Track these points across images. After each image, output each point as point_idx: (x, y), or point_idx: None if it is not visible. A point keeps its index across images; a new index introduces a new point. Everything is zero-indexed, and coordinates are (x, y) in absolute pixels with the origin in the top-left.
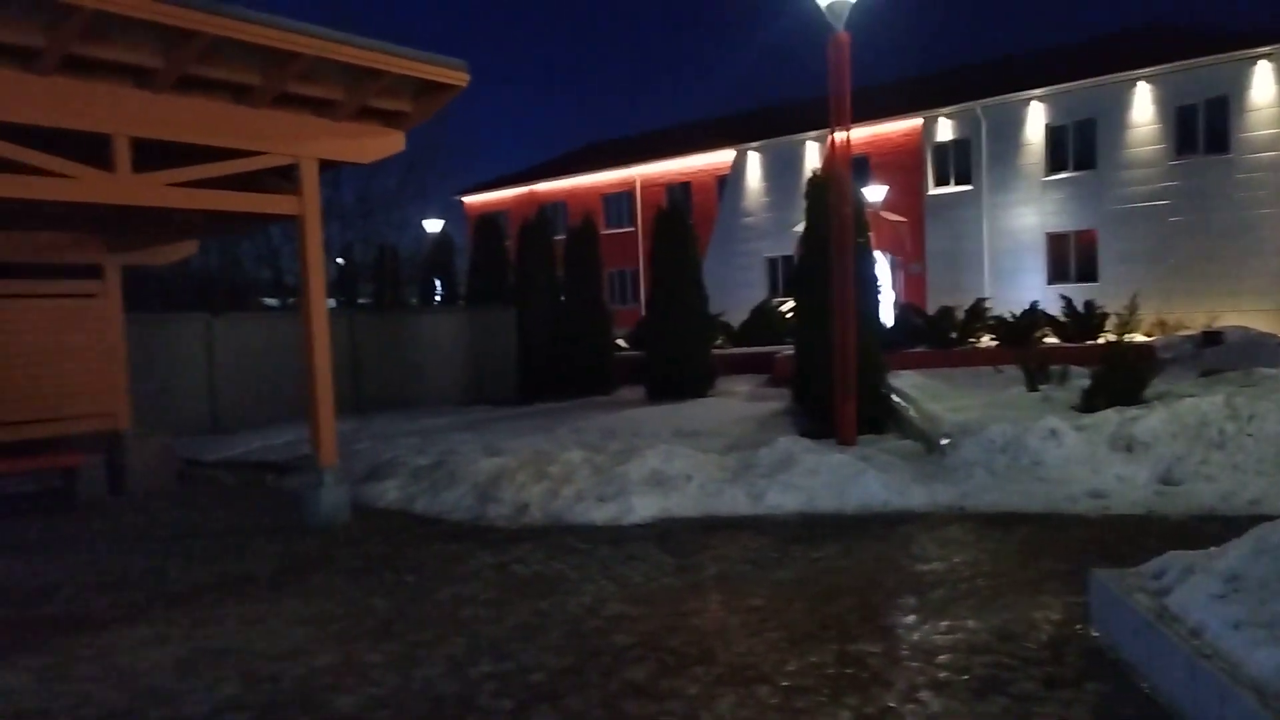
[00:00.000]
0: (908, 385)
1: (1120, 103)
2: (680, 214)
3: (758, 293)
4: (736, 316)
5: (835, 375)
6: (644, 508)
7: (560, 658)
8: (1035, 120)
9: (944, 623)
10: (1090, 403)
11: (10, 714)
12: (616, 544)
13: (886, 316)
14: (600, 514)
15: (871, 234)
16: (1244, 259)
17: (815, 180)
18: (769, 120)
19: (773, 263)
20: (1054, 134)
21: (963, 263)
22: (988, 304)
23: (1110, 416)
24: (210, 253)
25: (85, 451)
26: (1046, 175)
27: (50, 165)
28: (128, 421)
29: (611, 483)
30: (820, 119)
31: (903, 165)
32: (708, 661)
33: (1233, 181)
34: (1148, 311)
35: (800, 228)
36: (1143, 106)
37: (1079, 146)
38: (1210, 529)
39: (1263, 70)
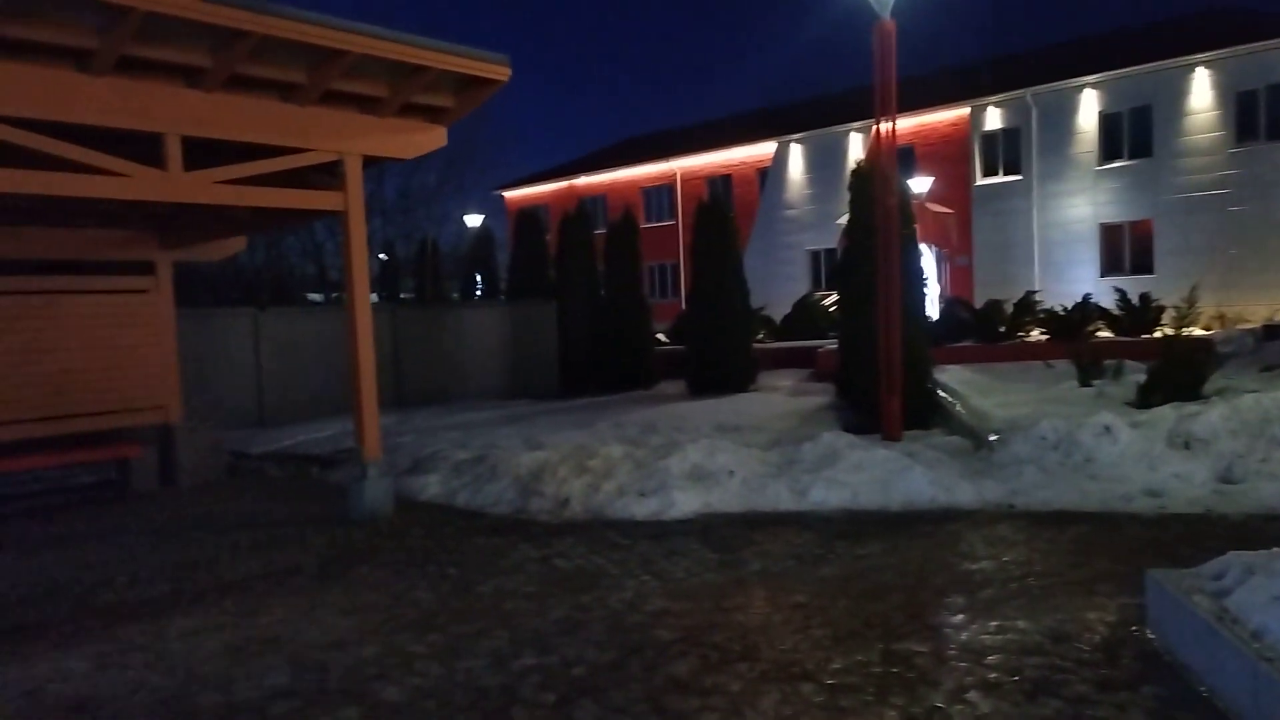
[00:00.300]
0: (954, 380)
1: (1177, 89)
2: (721, 206)
3: (800, 286)
4: (778, 310)
5: (880, 370)
6: (685, 503)
7: (602, 652)
8: (1088, 108)
9: (993, 622)
10: (1146, 398)
11: (69, 698)
12: (658, 539)
13: (932, 310)
14: (641, 509)
15: (917, 226)
16: None
17: (859, 171)
18: (811, 111)
19: (815, 255)
20: (1108, 121)
21: (1011, 255)
22: (1037, 297)
23: (1167, 413)
24: (257, 249)
25: (139, 444)
26: (1100, 164)
27: (107, 164)
28: (178, 415)
29: (653, 477)
30: (864, 109)
31: (949, 155)
32: (751, 658)
33: None
34: (1206, 304)
35: (844, 220)
36: (1201, 92)
37: (1134, 134)
38: (1272, 529)
39: None
